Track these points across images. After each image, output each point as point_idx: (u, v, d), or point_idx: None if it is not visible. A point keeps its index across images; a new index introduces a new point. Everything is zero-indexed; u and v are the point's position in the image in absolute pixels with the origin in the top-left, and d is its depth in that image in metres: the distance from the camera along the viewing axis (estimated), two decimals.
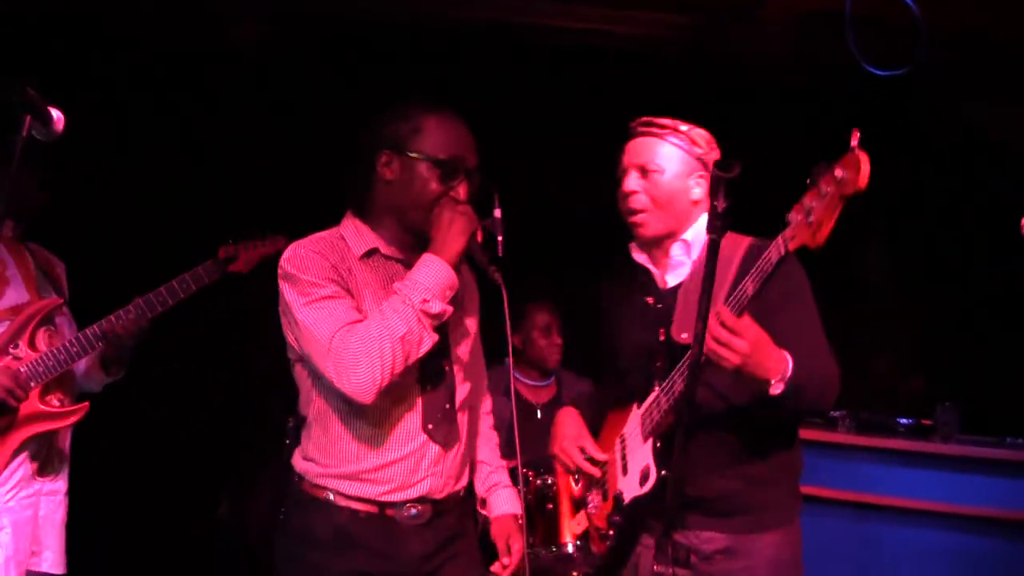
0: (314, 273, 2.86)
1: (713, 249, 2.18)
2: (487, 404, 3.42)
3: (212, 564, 5.44)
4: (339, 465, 2.97)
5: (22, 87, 2.24)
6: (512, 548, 3.22)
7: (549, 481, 4.27)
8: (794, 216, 2.44)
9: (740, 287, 2.60)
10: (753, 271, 2.58)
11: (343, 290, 2.87)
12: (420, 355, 2.82)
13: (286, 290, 2.88)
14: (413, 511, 2.96)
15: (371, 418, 2.93)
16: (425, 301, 2.80)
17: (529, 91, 5.72)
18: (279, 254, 2.95)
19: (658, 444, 2.94)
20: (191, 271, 3.87)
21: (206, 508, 5.58)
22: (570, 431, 3.29)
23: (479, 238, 2.93)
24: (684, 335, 2.90)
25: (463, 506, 3.14)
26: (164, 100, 5.32)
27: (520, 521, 3.27)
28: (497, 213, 4.45)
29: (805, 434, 5.15)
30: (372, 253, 2.97)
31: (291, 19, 5.47)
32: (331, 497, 2.97)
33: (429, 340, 2.83)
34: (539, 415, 5.37)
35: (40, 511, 3.73)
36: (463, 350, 3.10)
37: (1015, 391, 5.27)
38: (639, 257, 3.15)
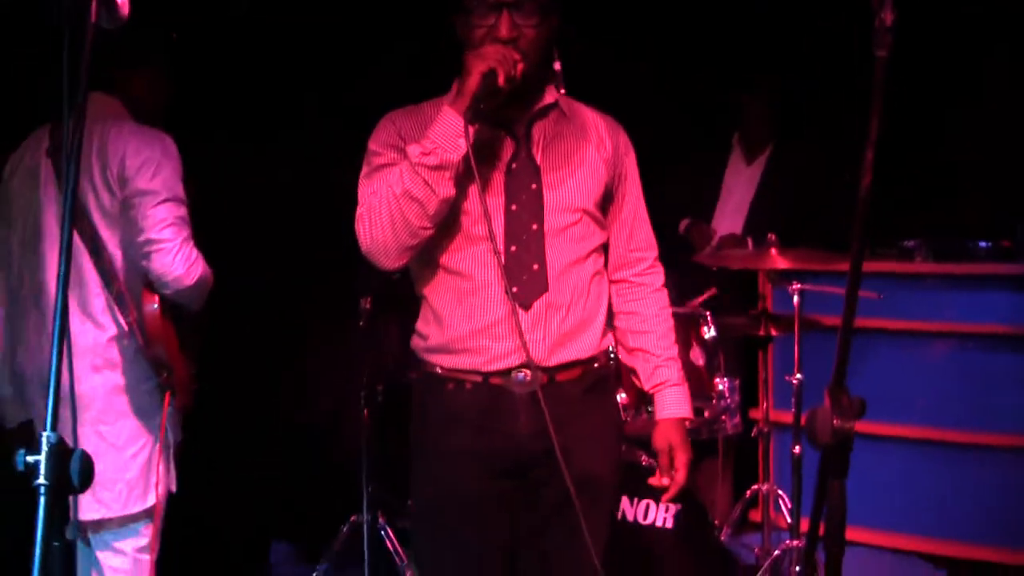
0: (377, 141, 2.81)
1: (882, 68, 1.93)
2: (646, 269, 3.06)
3: (276, 451, 5.32)
4: (437, 337, 2.82)
5: None
6: (676, 461, 2.98)
7: None
8: None
9: None
10: None
11: (404, 157, 2.68)
12: (432, 211, 2.62)
13: None
14: (520, 376, 2.75)
15: (455, 284, 2.78)
16: (424, 154, 2.60)
17: None
18: None
19: None
20: None
21: (268, 396, 5.44)
22: None
23: (500, 80, 2.60)
24: None
25: (592, 378, 2.87)
26: None
27: (688, 426, 3.05)
28: (556, 66, 4.23)
29: (880, 266, 5.11)
30: None
31: None
32: (437, 371, 2.83)
33: (435, 195, 2.61)
34: None
35: None
36: (565, 200, 2.80)
37: None
38: None
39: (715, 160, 5.78)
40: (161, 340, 3.41)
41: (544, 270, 2.76)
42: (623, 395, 4.05)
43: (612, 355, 3.05)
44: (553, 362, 2.78)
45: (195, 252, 3.40)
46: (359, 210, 2.70)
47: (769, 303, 4.87)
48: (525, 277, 2.75)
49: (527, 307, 2.75)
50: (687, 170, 5.82)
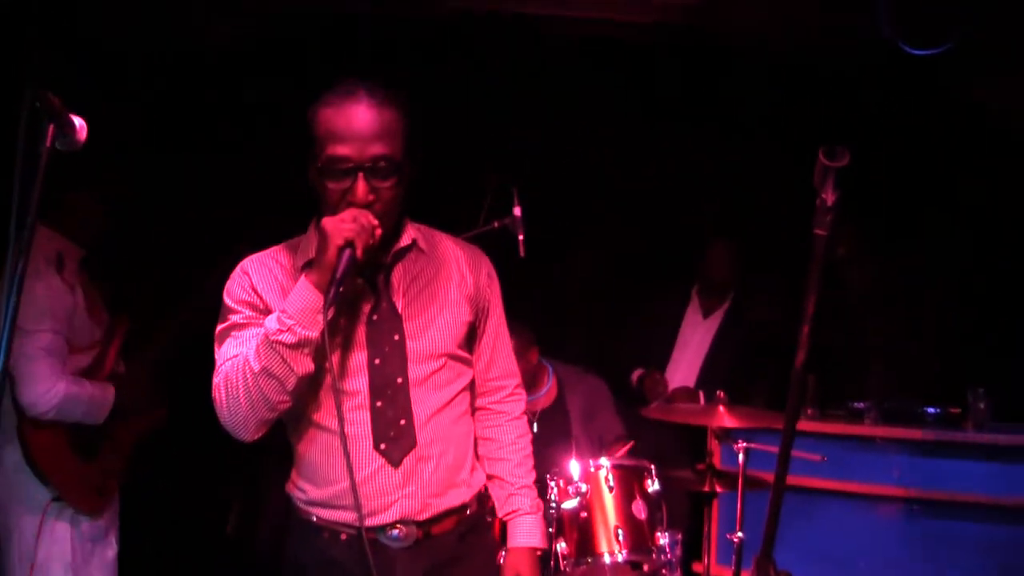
0: (232, 296, 2.73)
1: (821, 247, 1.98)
2: (505, 396, 3.07)
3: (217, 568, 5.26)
4: (313, 491, 2.79)
5: (45, 95, 2.08)
6: None
7: (583, 489, 4.07)
8: None
9: None
10: None
11: (259, 314, 2.67)
12: (291, 387, 2.57)
13: None
14: (394, 533, 2.74)
15: (325, 440, 2.74)
16: (281, 331, 2.53)
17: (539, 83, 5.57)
18: None
19: None
20: None
21: (215, 521, 5.38)
22: None
23: (358, 253, 2.54)
24: None
25: (466, 526, 2.87)
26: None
27: (538, 555, 3.07)
28: (517, 211, 4.28)
29: (829, 427, 5.13)
30: (310, 263, 2.64)
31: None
32: (314, 520, 2.80)
33: (293, 372, 2.56)
34: (535, 427, 5.14)
35: None
36: (428, 348, 2.77)
37: None
38: None
39: (673, 311, 5.84)
40: (31, 448, 3.58)
41: (411, 424, 2.73)
42: (563, 544, 4.03)
43: (487, 499, 3.05)
44: (427, 515, 2.77)
45: (50, 380, 3.55)
46: (215, 378, 2.64)
47: (716, 459, 4.87)
48: (392, 433, 2.72)
49: (397, 464, 2.72)
50: (645, 320, 5.88)
